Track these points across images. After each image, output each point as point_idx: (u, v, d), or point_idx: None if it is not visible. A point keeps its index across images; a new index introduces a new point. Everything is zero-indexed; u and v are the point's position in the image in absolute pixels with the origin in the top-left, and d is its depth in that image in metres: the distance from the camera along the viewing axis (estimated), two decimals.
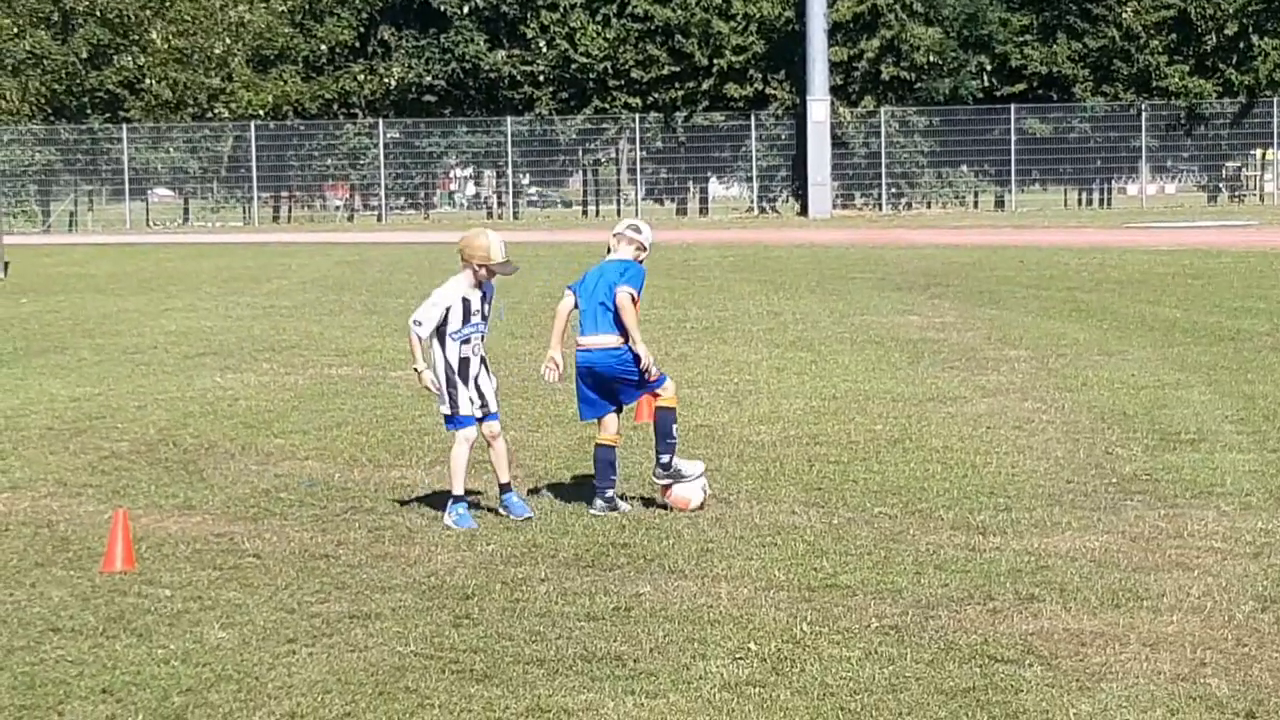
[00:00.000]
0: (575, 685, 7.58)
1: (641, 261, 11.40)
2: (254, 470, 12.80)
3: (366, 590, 9.19)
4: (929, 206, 68.24)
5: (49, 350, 21.36)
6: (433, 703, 7.36)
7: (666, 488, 11.28)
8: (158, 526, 10.87)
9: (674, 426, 11.37)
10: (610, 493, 11.18)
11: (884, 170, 66.14)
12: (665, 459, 11.25)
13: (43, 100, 67.87)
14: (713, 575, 9.48)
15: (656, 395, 11.46)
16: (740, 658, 7.95)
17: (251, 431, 14.57)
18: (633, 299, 11.14)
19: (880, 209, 66.05)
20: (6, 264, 37.27)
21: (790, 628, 8.41)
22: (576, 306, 11.33)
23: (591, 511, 11.06)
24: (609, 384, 11.29)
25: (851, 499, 11.51)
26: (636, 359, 11.16)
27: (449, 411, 11.04)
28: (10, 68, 64.93)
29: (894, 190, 67.11)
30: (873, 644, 8.15)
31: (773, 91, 65.51)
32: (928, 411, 15.24)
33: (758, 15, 64.70)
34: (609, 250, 11.49)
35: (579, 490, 11.86)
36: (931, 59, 64.46)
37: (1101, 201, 70.42)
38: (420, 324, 10.94)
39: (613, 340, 11.17)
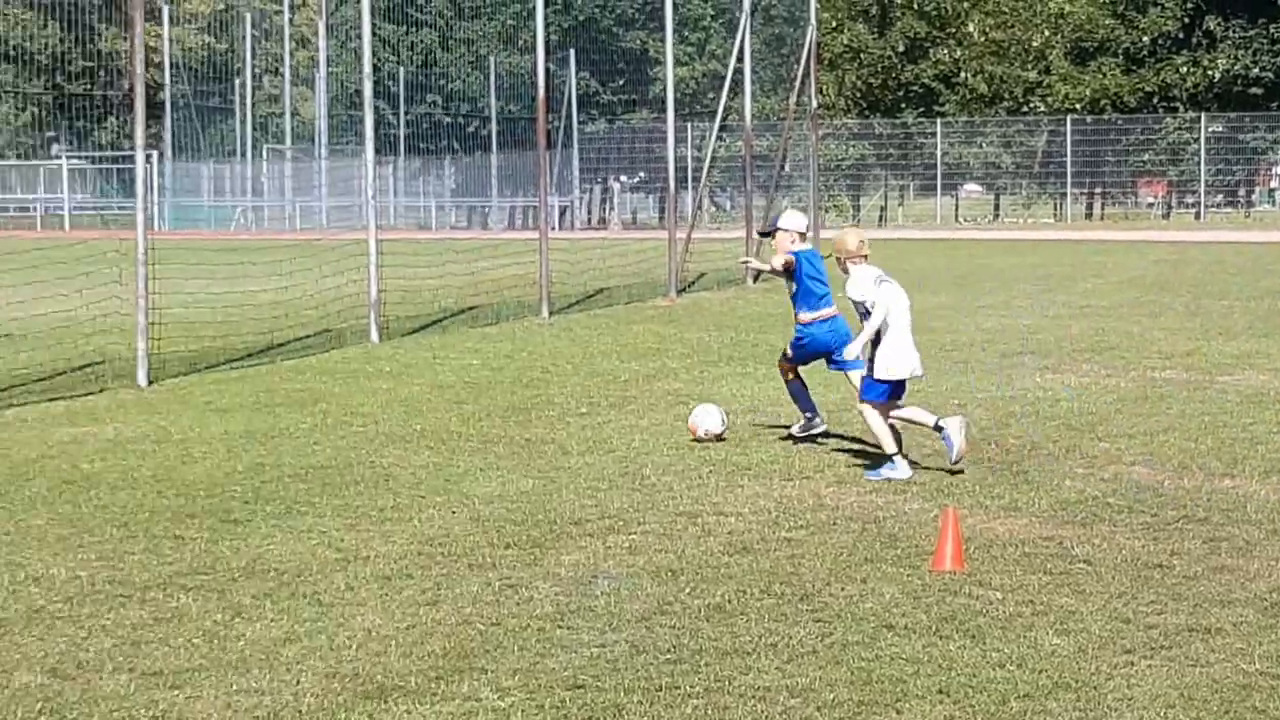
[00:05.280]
0: None
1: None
2: (1080, 473, 12.61)
3: (1205, 603, 8.84)
4: None
5: None
6: None
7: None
8: (984, 527, 10.84)
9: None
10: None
11: None
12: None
13: (858, 94, 69.58)
14: None
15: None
16: None
17: (1075, 434, 14.38)
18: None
19: None
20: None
21: None
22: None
23: None
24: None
25: None
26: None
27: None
28: (827, 61, 66.77)
29: None
30: None
31: None
32: None
33: None
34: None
35: None
36: None
37: None
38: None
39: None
